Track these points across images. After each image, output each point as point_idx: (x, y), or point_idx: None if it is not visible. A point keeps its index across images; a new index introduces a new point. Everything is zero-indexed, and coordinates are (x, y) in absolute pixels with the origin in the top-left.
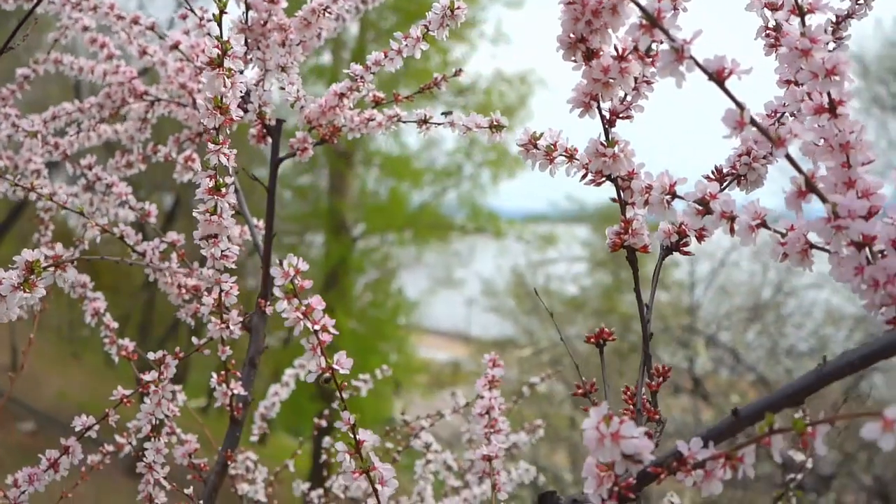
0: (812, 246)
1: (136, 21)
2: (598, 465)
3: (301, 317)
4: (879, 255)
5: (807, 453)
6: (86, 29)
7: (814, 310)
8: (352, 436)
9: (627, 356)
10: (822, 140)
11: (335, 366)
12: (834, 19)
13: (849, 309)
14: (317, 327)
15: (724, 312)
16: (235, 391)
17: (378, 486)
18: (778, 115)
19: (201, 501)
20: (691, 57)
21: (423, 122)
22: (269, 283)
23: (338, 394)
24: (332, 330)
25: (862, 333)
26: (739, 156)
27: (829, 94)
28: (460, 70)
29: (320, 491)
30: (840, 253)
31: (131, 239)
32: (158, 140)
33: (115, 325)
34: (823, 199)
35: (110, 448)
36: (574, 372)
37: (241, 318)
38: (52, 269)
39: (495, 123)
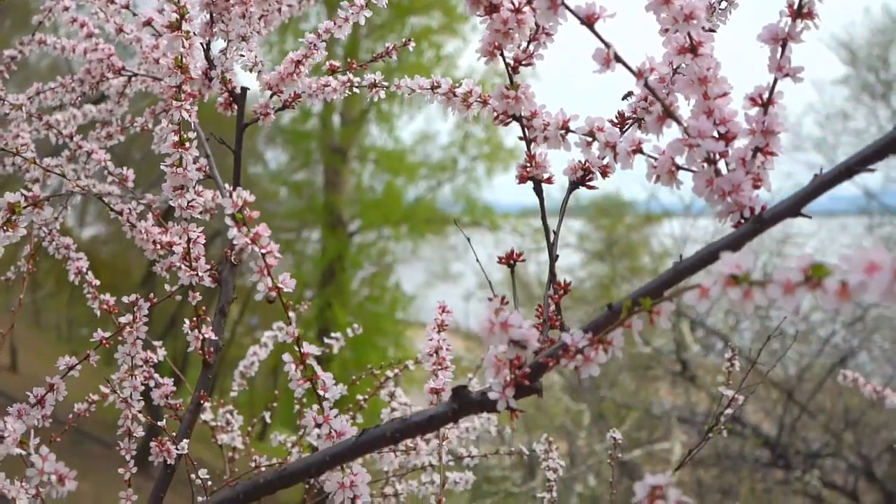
0: (678, 167)
1: (111, 0)
2: (496, 357)
3: (249, 242)
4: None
5: (735, 388)
6: (66, 9)
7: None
8: (297, 349)
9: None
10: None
11: (280, 285)
12: None
13: None
14: (264, 251)
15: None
16: (207, 336)
17: (321, 392)
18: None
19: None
20: (563, 4)
21: (374, 86)
22: None
23: (285, 311)
24: (277, 254)
25: (849, 316)
26: (639, 101)
27: (689, 35)
28: (409, 40)
29: (293, 438)
30: (699, 169)
31: (108, 199)
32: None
33: (97, 282)
34: (679, 122)
35: (95, 397)
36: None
37: (209, 266)
38: (30, 207)
39: (435, 85)
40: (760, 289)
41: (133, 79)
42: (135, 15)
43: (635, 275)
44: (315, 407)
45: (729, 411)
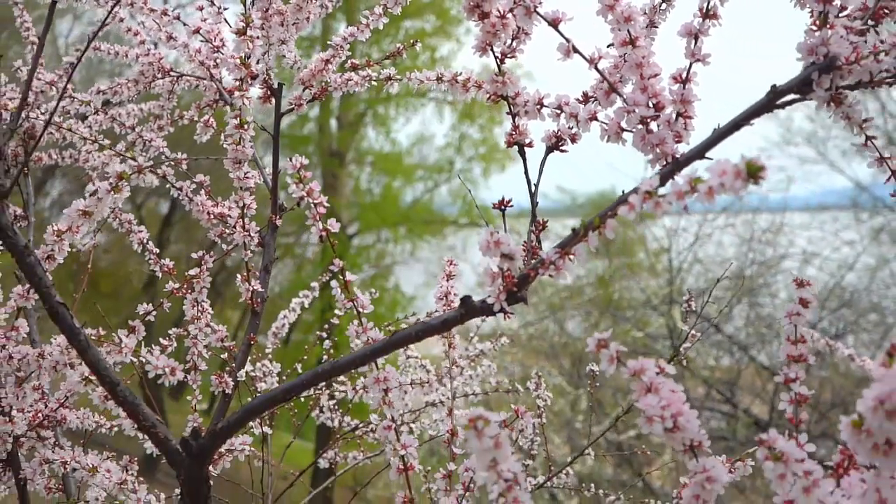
0: (622, 129)
1: (165, 13)
2: (490, 271)
3: (305, 195)
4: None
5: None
6: (122, 20)
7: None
8: (342, 278)
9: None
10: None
11: (328, 227)
12: None
13: (821, 275)
14: (316, 201)
15: (706, 286)
16: (255, 288)
17: (360, 310)
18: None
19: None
20: (536, 11)
21: (388, 79)
22: (277, 206)
23: (332, 249)
24: (326, 203)
25: (836, 301)
26: (597, 83)
27: (629, 32)
28: (416, 41)
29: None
30: (635, 129)
31: (170, 178)
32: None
33: (157, 250)
34: (620, 96)
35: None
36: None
37: (258, 229)
38: (135, 175)
39: (440, 76)
40: (664, 199)
41: (180, 78)
42: (185, 25)
43: (632, 271)
44: (355, 322)
45: (687, 345)
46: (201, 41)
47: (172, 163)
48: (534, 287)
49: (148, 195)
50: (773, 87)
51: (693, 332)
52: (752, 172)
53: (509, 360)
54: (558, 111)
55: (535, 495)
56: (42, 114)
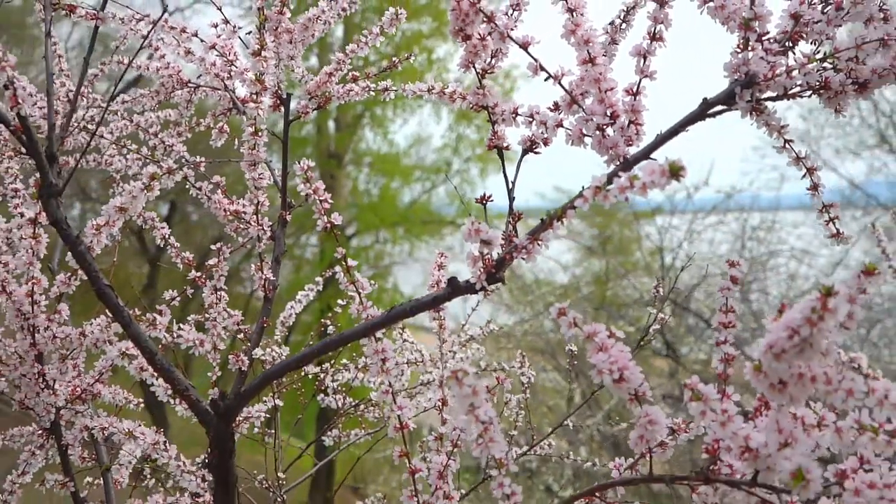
0: (584, 134)
1: (184, 30)
2: (472, 255)
3: (311, 193)
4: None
5: (660, 313)
6: (144, 37)
7: (792, 282)
8: (345, 263)
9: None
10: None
11: (332, 220)
12: (625, 9)
13: (811, 272)
14: (321, 198)
15: (698, 282)
16: (267, 276)
17: (360, 291)
18: None
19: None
20: (509, 35)
21: (385, 90)
22: (286, 203)
23: (335, 239)
24: (329, 200)
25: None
26: (563, 96)
27: (588, 52)
28: (410, 55)
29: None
30: (593, 135)
31: (191, 178)
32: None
33: (178, 245)
34: (580, 106)
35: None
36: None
37: (270, 223)
38: (165, 175)
39: (430, 88)
40: (609, 192)
41: (197, 89)
42: (202, 41)
43: (629, 270)
44: (357, 300)
45: (656, 327)
46: (216, 55)
47: (193, 166)
48: (530, 285)
49: None
50: (705, 99)
51: (662, 315)
52: (674, 171)
53: (505, 358)
54: (530, 119)
55: (531, 487)
56: (74, 122)
